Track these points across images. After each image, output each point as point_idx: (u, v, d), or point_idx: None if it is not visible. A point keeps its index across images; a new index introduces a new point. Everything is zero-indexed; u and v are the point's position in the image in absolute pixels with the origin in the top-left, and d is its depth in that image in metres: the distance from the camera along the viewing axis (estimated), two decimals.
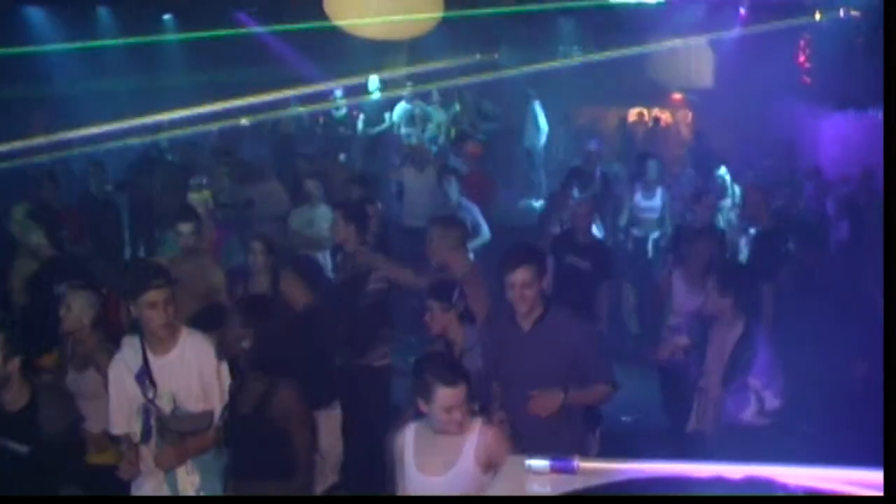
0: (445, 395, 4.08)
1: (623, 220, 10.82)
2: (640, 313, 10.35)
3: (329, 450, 6.20)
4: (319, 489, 5.91)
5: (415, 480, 4.24)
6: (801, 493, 2.94)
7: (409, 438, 4.31)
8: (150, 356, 4.83)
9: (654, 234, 10.63)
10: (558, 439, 4.82)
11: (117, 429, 4.95)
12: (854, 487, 2.95)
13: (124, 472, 4.95)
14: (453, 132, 15.90)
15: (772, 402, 5.50)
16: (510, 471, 3.57)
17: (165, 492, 4.88)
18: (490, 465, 4.16)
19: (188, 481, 4.87)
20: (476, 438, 4.19)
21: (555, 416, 5.04)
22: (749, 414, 5.53)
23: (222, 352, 4.91)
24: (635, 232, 10.73)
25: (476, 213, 10.00)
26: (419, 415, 4.24)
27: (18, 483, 4.66)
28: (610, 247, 9.41)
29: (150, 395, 4.79)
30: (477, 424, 4.24)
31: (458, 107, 16.52)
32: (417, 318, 5.96)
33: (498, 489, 3.56)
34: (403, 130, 15.59)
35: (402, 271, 6.83)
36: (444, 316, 5.51)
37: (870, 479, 2.97)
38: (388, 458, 4.41)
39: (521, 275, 5.05)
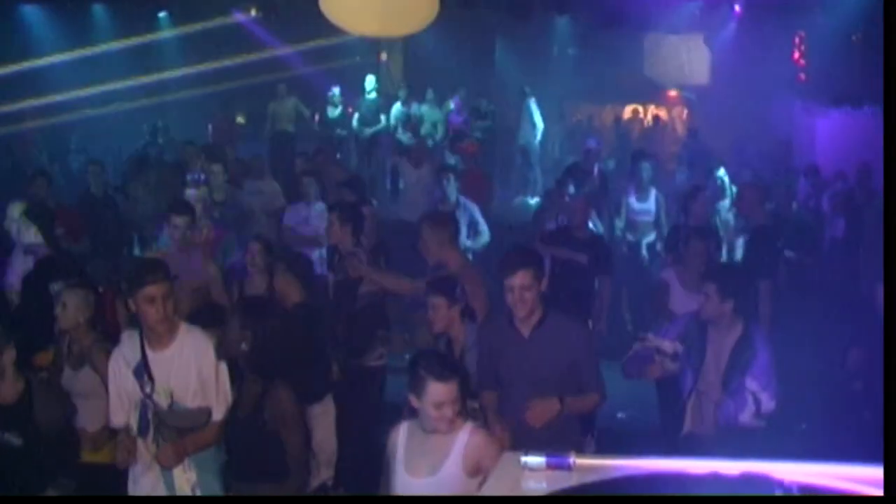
0: (437, 391, 4.08)
1: (620, 223, 10.79)
2: (636, 313, 10.34)
3: (322, 445, 6.21)
4: (314, 485, 5.92)
5: (401, 481, 4.23)
6: (797, 493, 2.93)
7: (400, 437, 4.30)
8: (148, 351, 4.83)
9: (649, 237, 10.60)
10: (556, 443, 4.81)
11: (116, 421, 4.96)
12: (850, 484, 2.95)
13: (121, 461, 4.97)
14: (450, 131, 15.93)
15: (768, 403, 5.50)
16: (506, 468, 3.56)
17: (161, 488, 4.88)
18: (477, 471, 4.14)
19: (184, 478, 4.87)
20: (464, 442, 4.17)
21: (552, 424, 5.04)
22: (746, 416, 5.52)
23: (222, 352, 4.92)
24: (629, 235, 10.71)
25: (475, 213, 10.00)
26: (413, 413, 4.24)
27: (12, 475, 4.68)
28: (606, 241, 9.40)
29: (148, 389, 4.80)
30: (467, 427, 4.23)
31: (451, 105, 16.54)
32: (413, 315, 5.96)
33: (493, 487, 3.56)
34: (399, 131, 15.60)
35: (398, 281, 6.80)
36: (448, 312, 5.50)
37: (867, 476, 2.97)
38: (383, 457, 4.41)
39: (520, 278, 5.02)
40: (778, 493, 2.93)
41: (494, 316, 5.52)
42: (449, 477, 4.15)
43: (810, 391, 7.22)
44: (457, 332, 5.52)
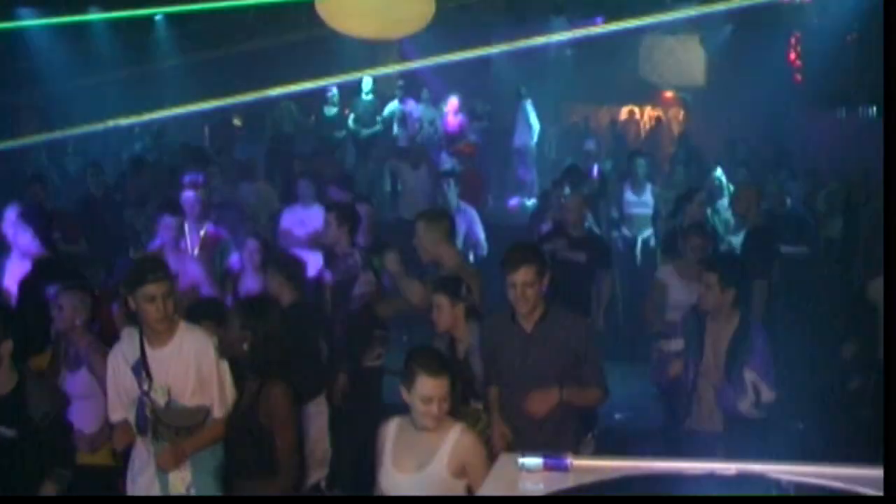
0: (426, 385, 4.12)
1: (615, 214, 10.85)
2: (632, 311, 10.33)
3: (316, 444, 6.21)
4: (308, 485, 5.92)
5: (388, 475, 4.28)
6: (794, 493, 2.94)
7: (390, 432, 4.35)
8: (147, 349, 4.84)
9: (645, 231, 10.64)
10: (556, 441, 4.82)
11: (115, 418, 4.99)
12: (848, 484, 2.95)
13: (118, 442, 5.00)
14: (446, 132, 15.90)
15: (768, 393, 5.53)
16: (503, 469, 3.56)
17: (157, 487, 4.89)
18: (463, 472, 4.18)
19: (179, 477, 4.87)
20: (453, 442, 4.21)
21: (553, 418, 5.04)
22: (746, 406, 5.54)
23: (223, 351, 4.93)
24: (625, 230, 10.74)
25: (473, 219, 9.99)
26: (405, 408, 4.27)
27: (8, 470, 4.69)
28: (604, 238, 9.41)
29: (146, 387, 4.81)
30: (458, 427, 4.26)
31: (445, 107, 16.49)
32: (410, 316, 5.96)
33: (491, 488, 3.56)
34: (395, 130, 15.60)
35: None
36: (453, 311, 5.50)
37: (866, 476, 2.98)
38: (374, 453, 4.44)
39: (522, 274, 5.03)
40: (775, 493, 2.93)
41: (496, 312, 5.53)
42: (433, 476, 4.19)
43: (807, 391, 7.24)
44: (461, 331, 5.53)
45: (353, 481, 6.54)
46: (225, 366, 4.93)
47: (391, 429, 4.35)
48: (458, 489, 4.17)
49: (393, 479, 4.26)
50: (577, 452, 4.52)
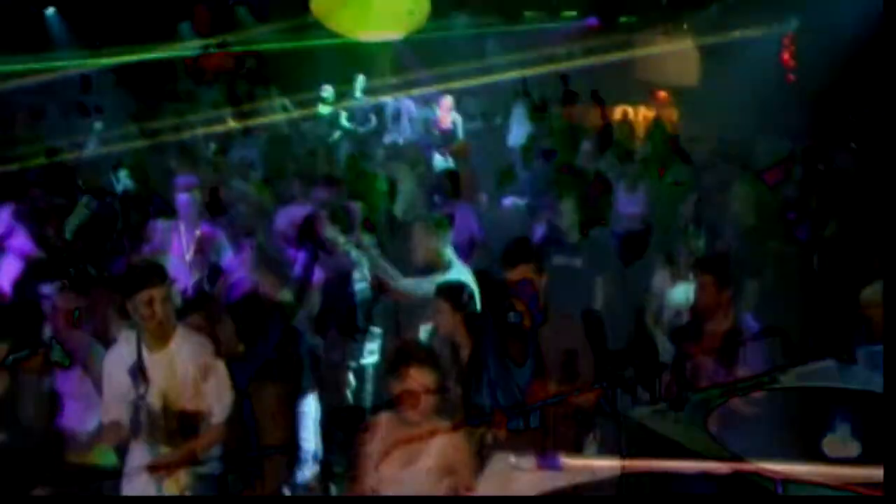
0: (412, 377, 4.15)
1: (610, 216, 10.85)
2: (628, 312, 10.32)
3: (306, 443, 6.21)
4: (300, 483, 5.93)
5: (374, 470, 4.28)
6: (793, 493, 2.93)
7: (379, 427, 4.37)
8: (144, 352, 4.84)
9: (640, 232, 10.63)
10: (557, 440, 4.81)
11: (108, 417, 4.97)
12: (848, 484, 2.95)
13: (108, 441, 5.01)
14: (440, 131, 15.89)
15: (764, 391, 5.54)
16: (497, 468, 3.56)
17: (152, 488, 4.87)
18: (451, 471, 4.20)
19: (173, 479, 4.86)
20: (443, 441, 4.23)
21: (553, 417, 5.03)
22: (743, 405, 5.55)
23: (219, 353, 4.93)
24: (620, 230, 10.74)
25: (470, 219, 9.99)
26: (396, 404, 4.28)
27: (2, 469, 4.70)
28: (602, 240, 9.40)
29: (142, 390, 4.80)
30: (448, 426, 4.27)
31: (438, 108, 16.48)
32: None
33: (486, 487, 3.56)
34: (390, 129, 15.58)
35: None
36: (454, 318, 5.50)
37: (864, 475, 2.97)
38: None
39: (520, 272, 5.03)
40: (774, 493, 2.93)
41: (494, 309, 5.52)
42: (420, 473, 4.21)
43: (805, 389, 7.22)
44: (462, 337, 5.52)
45: (346, 479, 6.53)
46: (223, 370, 4.93)
47: (381, 423, 4.37)
48: (441, 488, 4.17)
49: (379, 474, 4.27)
50: (580, 452, 4.52)
